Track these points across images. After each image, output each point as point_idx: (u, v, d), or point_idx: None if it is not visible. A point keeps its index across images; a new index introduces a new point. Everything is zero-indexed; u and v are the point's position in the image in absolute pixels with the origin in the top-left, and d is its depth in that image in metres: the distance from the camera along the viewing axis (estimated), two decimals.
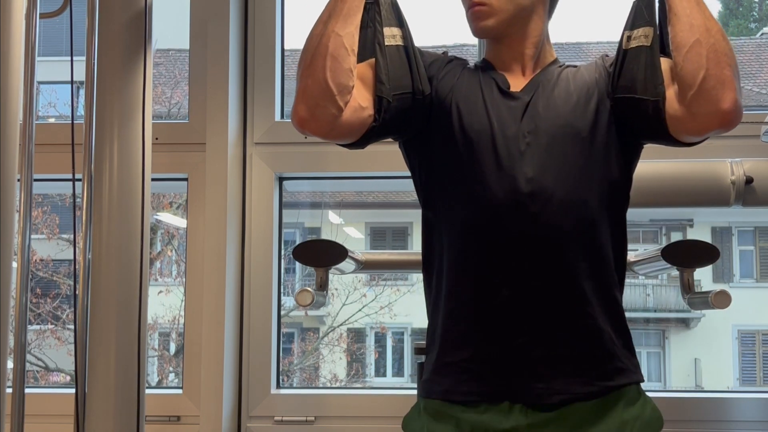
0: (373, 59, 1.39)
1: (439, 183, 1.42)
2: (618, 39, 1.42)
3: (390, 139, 1.49)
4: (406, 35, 1.43)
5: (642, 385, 1.41)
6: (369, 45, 1.40)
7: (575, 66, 1.47)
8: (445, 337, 1.39)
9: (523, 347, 1.33)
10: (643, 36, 1.38)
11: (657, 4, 1.39)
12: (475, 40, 1.53)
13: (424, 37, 1.53)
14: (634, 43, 1.39)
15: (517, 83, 1.44)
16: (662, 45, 1.38)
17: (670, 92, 1.34)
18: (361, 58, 1.39)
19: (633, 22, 1.40)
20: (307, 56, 1.36)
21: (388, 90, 1.38)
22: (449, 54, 1.51)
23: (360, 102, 1.37)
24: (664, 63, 1.36)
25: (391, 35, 1.42)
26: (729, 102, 1.29)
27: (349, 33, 1.36)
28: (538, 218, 1.33)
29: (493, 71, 1.46)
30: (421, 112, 1.43)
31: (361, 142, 1.41)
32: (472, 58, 1.53)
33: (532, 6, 1.44)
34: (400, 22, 1.44)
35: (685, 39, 1.32)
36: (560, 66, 1.47)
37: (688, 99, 1.31)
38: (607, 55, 1.48)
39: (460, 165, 1.39)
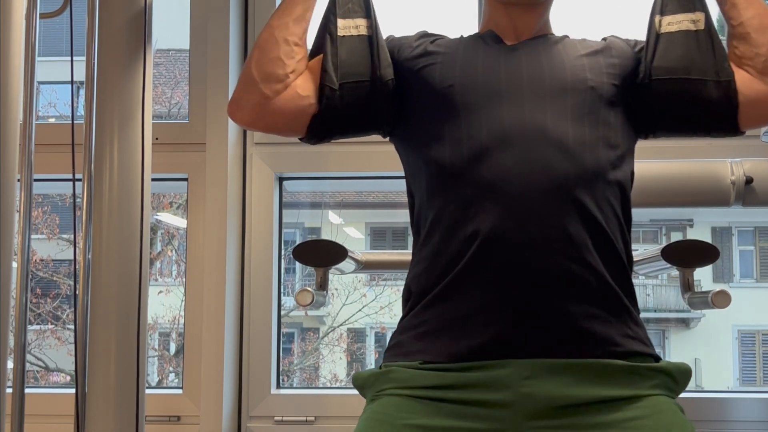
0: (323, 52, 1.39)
1: (420, 136, 1.38)
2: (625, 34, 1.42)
3: (380, 138, 1.48)
4: (373, 25, 1.42)
5: None
6: (323, 38, 1.40)
7: (580, 39, 1.44)
8: (426, 296, 1.30)
9: (519, 300, 1.23)
10: (688, 21, 1.36)
11: None
12: None
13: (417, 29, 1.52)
14: (672, 28, 1.37)
15: (510, 41, 1.42)
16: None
17: (742, 74, 1.34)
18: (315, 53, 1.40)
19: (663, 8, 1.39)
20: None
21: (333, 78, 1.37)
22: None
23: (299, 91, 1.36)
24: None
25: (353, 26, 1.41)
26: None
27: (282, 23, 1.37)
28: (528, 156, 1.26)
29: (481, 34, 1.44)
30: (386, 99, 1.40)
31: (312, 135, 1.40)
32: None
33: None
34: (367, 13, 1.43)
35: (766, 20, 1.33)
36: (563, 35, 1.44)
37: None
38: (615, 36, 1.45)
39: (443, 115, 1.34)
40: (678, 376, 1.29)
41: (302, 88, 1.36)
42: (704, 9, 1.37)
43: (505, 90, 1.32)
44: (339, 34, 1.40)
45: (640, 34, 1.45)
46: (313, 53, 1.40)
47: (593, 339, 1.24)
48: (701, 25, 1.36)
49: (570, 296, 1.24)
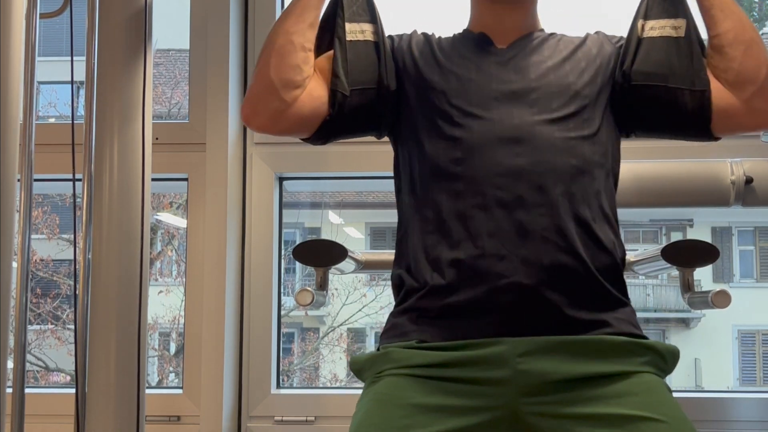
0: (331, 52, 1.40)
1: (415, 135, 1.40)
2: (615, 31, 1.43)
3: (374, 138, 1.50)
4: (378, 31, 1.44)
5: None
6: (330, 39, 1.41)
7: (562, 34, 1.47)
8: (421, 290, 1.33)
9: (512, 291, 1.27)
10: (669, 27, 1.39)
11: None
12: None
13: (411, 28, 1.53)
14: (654, 33, 1.39)
15: (500, 43, 1.44)
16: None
17: (716, 85, 1.36)
18: (321, 52, 1.41)
19: (647, 12, 1.41)
20: (258, 58, 1.39)
21: (345, 84, 1.38)
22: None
23: (313, 93, 1.38)
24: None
25: (359, 30, 1.42)
26: None
27: (299, 30, 1.38)
28: (518, 158, 1.31)
29: (471, 33, 1.47)
30: (389, 106, 1.43)
31: (319, 137, 1.41)
32: None
33: None
34: (373, 18, 1.44)
35: (741, 35, 1.35)
36: (548, 33, 1.47)
37: (748, 94, 1.33)
38: (598, 33, 1.47)
39: (437, 117, 1.38)
40: (667, 356, 1.33)
41: (315, 90, 1.38)
42: (686, 16, 1.39)
43: (497, 97, 1.36)
44: (347, 38, 1.41)
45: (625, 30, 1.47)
46: (319, 52, 1.41)
47: (583, 324, 1.29)
48: (682, 32, 1.38)
49: (560, 286, 1.28)
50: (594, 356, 1.27)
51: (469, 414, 1.25)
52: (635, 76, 1.38)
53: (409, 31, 1.50)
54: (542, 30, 1.48)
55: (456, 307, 1.30)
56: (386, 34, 1.47)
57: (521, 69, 1.39)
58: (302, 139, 1.44)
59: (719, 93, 1.36)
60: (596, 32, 1.48)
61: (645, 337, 1.34)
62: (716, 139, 1.40)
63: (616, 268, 1.35)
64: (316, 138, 1.42)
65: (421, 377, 1.28)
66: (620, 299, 1.34)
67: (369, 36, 1.43)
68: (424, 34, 1.49)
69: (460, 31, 1.51)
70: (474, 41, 1.45)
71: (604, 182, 1.37)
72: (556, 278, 1.28)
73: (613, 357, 1.27)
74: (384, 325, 1.39)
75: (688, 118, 1.37)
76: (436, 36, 1.49)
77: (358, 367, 1.39)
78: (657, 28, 1.39)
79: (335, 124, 1.40)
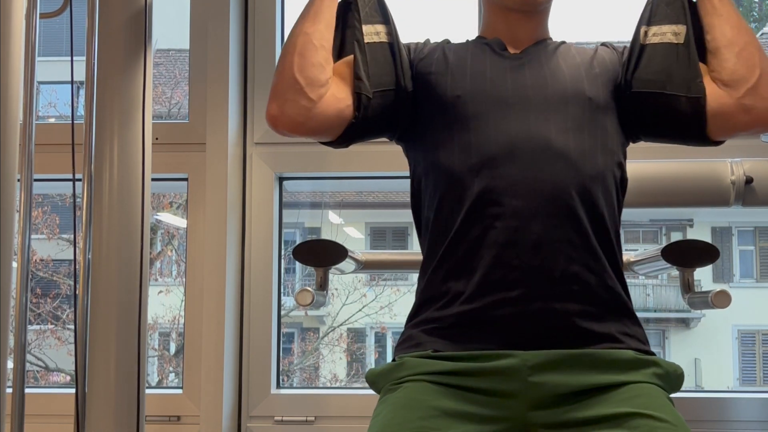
0: (351, 56, 1.40)
1: (429, 141, 1.41)
2: (620, 36, 1.44)
3: (386, 139, 1.50)
4: (392, 32, 1.44)
5: None
6: (348, 43, 1.42)
7: (572, 43, 1.49)
8: (437, 302, 1.36)
9: (523, 301, 1.30)
10: (670, 33, 1.40)
11: (687, 4, 1.41)
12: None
13: (423, 37, 1.53)
14: (655, 39, 1.40)
15: (514, 48, 1.45)
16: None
17: (711, 88, 1.37)
18: (339, 56, 1.41)
19: (650, 18, 1.42)
20: (278, 59, 1.39)
21: (368, 87, 1.39)
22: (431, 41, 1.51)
23: (336, 94, 1.37)
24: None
25: (374, 32, 1.43)
26: None
27: (317, 30, 1.39)
28: (533, 166, 1.33)
29: (485, 39, 1.48)
30: (407, 107, 1.43)
31: (343, 140, 1.42)
32: None
33: None
34: (386, 19, 1.45)
35: (736, 38, 1.37)
36: (560, 41, 1.49)
37: (742, 93, 1.35)
38: (605, 45, 1.49)
39: (452, 123, 1.38)
40: (671, 373, 1.35)
41: (338, 91, 1.38)
42: (687, 22, 1.40)
43: (512, 101, 1.37)
44: (365, 41, 1.42)
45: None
46: (336, 55, 1.42)
47: (593, 337, 1.31)
48: (682, 38, 1.39)
49: (571, 297, 1.30)
50: (602, 369, 1.29)
51: (484, 422, 1.27)
52: (636, 84, 1.40)
53: (420, 39, 1.51)
54: (551, 39, 1.49)
55: (468, 317, 1.32)
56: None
57: (536, 73, 1.40)
58: (324, 143, 1.44)
59: (715, 95, 1.37)
60: (604, 44, 1.49)
61: (653, 354, 1.36)
62: (716, 143, 1.41)
63: (622, 275, 1.38)
64: (341, 141, 1.42)
65: (437, 383, 1.29)
66: (630, 309, 1.36)
67: (383, 37, 1.43)
68: (437, 42, 1.49)
69: (473, 37, 1.51)
70: (488, 46, 1.45)
71: (615, 192, 1.39)
72: (568, 290, 1.30)
73: (620, 369, 1.29)
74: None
75: (684, 124, 1.39)
76: (449, 42, 1.49)
77: (374, 379, 1.40)
78: (659, 34, 1.40)
79: (360, 127, 1.40)
